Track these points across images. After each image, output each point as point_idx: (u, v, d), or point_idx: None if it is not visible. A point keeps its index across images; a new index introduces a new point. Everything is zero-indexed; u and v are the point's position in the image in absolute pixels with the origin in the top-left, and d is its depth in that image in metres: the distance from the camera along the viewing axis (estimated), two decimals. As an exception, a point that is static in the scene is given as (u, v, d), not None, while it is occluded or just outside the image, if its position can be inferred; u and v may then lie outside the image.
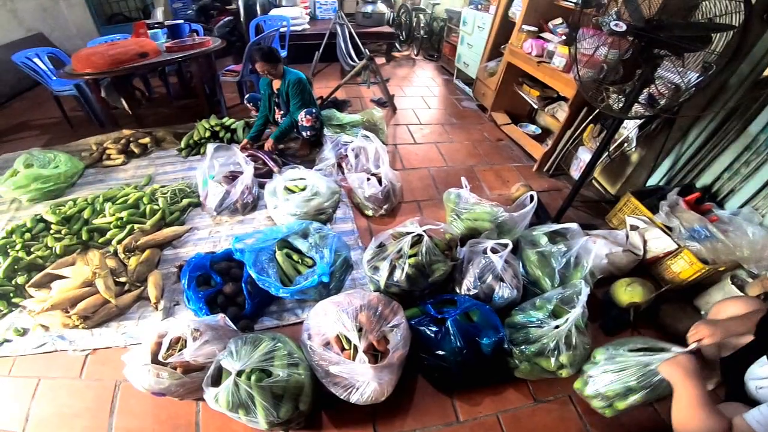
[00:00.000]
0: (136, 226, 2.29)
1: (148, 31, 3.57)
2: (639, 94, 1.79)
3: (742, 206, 2.12)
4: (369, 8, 5.47)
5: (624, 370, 1.47)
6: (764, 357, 1.24)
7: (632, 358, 1.47)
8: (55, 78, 3.45)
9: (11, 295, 1.95)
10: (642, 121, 2.40)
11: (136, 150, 3.12)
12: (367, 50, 3.85)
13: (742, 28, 1.35)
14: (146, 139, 3.20)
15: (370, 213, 2.61)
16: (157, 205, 2.47)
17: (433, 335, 1.62)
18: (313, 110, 2.96)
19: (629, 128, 2.49)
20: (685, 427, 1.20)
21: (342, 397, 1.45)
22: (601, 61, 1.96)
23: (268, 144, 3.00)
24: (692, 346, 1.38)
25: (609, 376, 1.50)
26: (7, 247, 2.12)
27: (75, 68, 3.00)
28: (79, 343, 1.80)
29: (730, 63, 1.41)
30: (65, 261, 2.06)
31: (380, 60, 5.80)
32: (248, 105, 3.38)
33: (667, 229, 2.12)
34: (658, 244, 2.13)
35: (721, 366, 1.51)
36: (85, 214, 2.35)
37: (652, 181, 2.61)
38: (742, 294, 1.87)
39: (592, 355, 1.65)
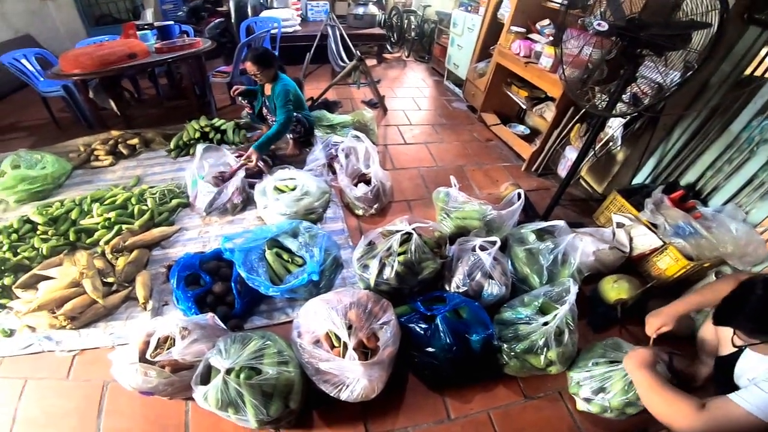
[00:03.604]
0: (124, 226, 2.28)
1: (138, 32, 3.54)
2: (622, 92, 1.82)
3: (725, 203, 2.16)
4: (360, 10, 5.48)
5: (612, 384, 1.51)
6: (746, 349, 1.27)
7: (615, 372, 1.52)
8: (42, 79, 3.41)
9: (-3, 296, 1.93)
10: (627, 120, 2.44)
11: (124, 151, 3.09)
12: (357, 51, 3.86)
13: (718, 25, 1.37)
14: (135, 140, 3.18)
15: (360, 212, 2.62)
16: (146, 205, 2.45)
17: (422, 332, 1.63)
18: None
19: (614, 127, 2.53)
20: (656, 409, 1.26)
21: (332, 394, 1.45)
22: (586, 61, 1.99)
23: (252, 154, 2.68)
24: (652, 339, 1.56)
25: (601, 393, 1.54)
26: (-7, 248, 2.09)
27: (63, 69, 2.97)
28: (66, 343, 1.78)
29: (706, 61, 1.44)
30: (52, 262, 2.04)
31: (371, 62, 5.81)
32: (242, 102, 3.29)
33: (653, 227, 2.15)
34: (644, 241, 2.17)
35: (714, 366, 1.56)
36: (73, 215, 2.33)
37: (638, 180, 2.65)
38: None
39: (568, 375, 1.69)
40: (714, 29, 1.40)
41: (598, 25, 1.63)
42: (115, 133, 3.27)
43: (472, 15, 4.09)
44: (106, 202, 2.44)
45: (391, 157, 3.36)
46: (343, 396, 1.43)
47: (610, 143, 2.60)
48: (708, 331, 1.63)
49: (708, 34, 1.43)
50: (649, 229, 2.15)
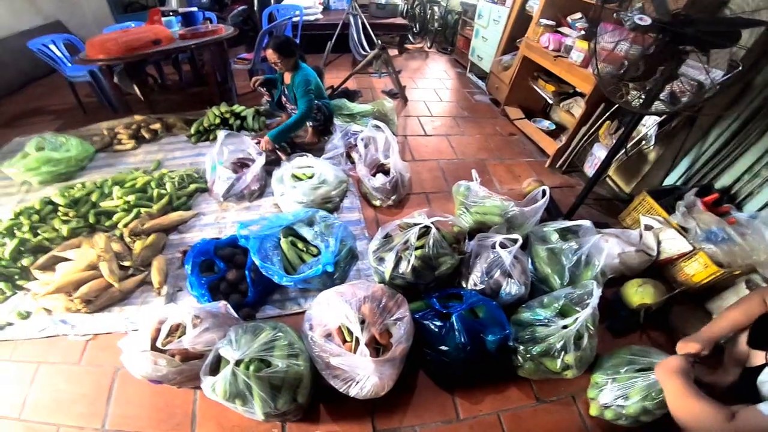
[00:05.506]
0: (143, 209, 2.29)
1: (163, 19, 3.56)
2: (661, 90, 1.73)
3: (761, 209, 2.05)
4: (383, -1, 5.41)
5: (633, 391, 1.46)
6: None
7: (640, 379, 1.47)
8: (70, 64, 3.48)
9: (16, 277, 1.94)
10: (662, 118, 2.33)
11: (146, 135, 3.13)
12: (379, 41, 3.80)
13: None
14: (157, 125, 3.20)
15: (377, 203, 2.58)
16: (165, 189, 2.47)
17: (437, 330, 1.59)
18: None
19: (648, 126, 2.42)
20: (684, 418, 1.22)
21: (341, 390, 1.42)
22: (621, 57, 1.90)
23: (265, 142, 2.72)
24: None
25: (621, 399, 1.49)
26: (14, 228, 2.12)
27: (89, 54, 3.01)
28: (81, 327, 1.79)
29: (758, 61, 1.34)
30: (71, 243, 2.06)
31: (393, 52, 5.73)
32: (262, 90, 3.26)
33: (683, 230, 2.05)
34: (673, 245, 2.07)
35: (741, 376, 1.50)
36: (94, 197, 2.36)
37: (669, 181, 2.54)
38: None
39: (593, 380, 1.64)
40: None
41: (640, 19, 1.54)
42: (138, 117, 3.31)
43: (499, 6, 3.99)
44: (126, 185, 2.46)
45: (410, 148, 3.31)
46: (353, 392, 1.40)
47: (643, 142, 2.49)
48: (742, 342, 1.55)
49: (759, 32, 1.34)
50: (679, 232, 2.05)
